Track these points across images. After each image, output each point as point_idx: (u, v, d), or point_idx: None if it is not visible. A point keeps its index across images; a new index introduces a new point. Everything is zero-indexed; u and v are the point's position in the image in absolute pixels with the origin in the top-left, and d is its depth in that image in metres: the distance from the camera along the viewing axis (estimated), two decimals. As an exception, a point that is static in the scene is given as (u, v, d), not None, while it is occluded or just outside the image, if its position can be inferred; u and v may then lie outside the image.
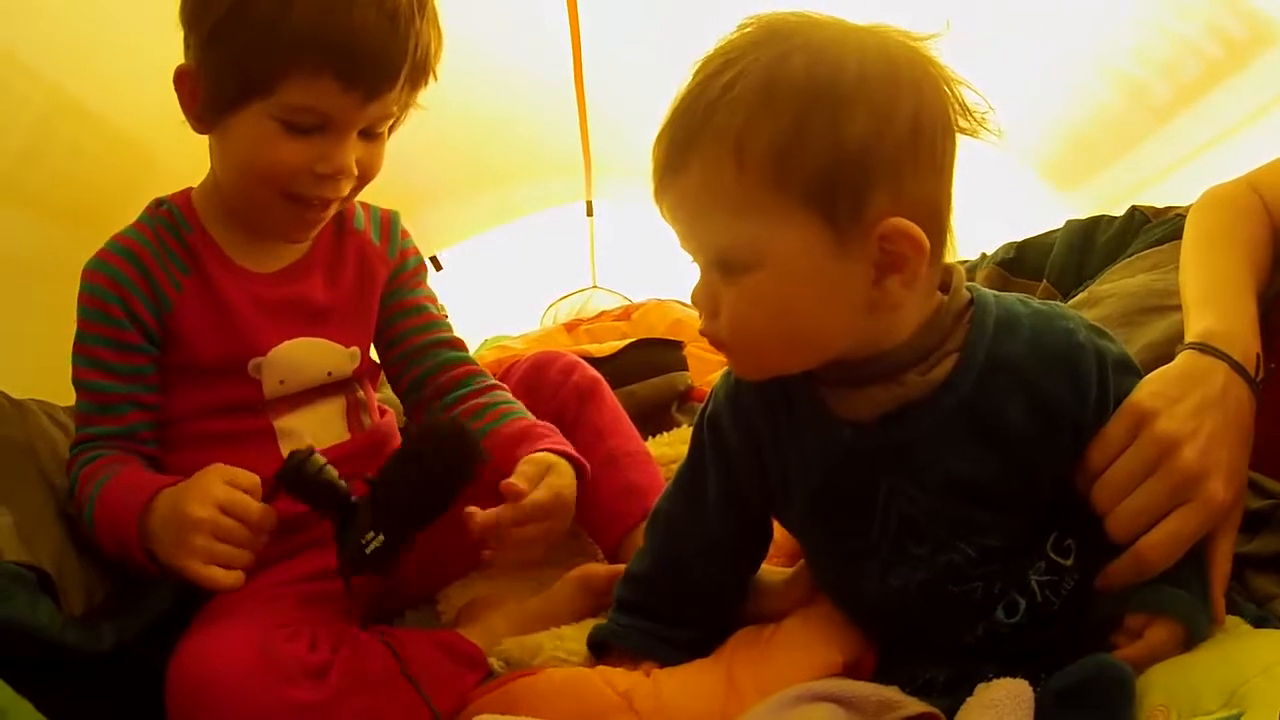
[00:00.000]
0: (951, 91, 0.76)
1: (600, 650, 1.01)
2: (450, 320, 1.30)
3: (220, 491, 0.96)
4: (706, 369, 1.91)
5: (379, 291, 1.23)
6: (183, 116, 1.06)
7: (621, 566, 1.10)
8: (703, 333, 0.81)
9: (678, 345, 1.91)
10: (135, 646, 1.00)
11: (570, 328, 2.56)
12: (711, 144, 0.73)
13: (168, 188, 1.16)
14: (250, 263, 1.14)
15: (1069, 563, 0.83)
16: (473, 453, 0.97)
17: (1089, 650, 0.78)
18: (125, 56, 1.46)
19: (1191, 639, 0.79)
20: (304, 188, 1.05)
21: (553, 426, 1.18)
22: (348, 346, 1.19)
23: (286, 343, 1.14)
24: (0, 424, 1.09)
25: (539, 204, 2.86)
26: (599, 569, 1.16)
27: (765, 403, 0.88)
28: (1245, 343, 0.86)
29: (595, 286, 3.15)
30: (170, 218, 1.12)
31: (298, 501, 0.96)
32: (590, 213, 2.97)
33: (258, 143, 1.02)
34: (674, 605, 0.98)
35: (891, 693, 0.78)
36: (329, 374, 1.18)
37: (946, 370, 0.79)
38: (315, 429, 1.17)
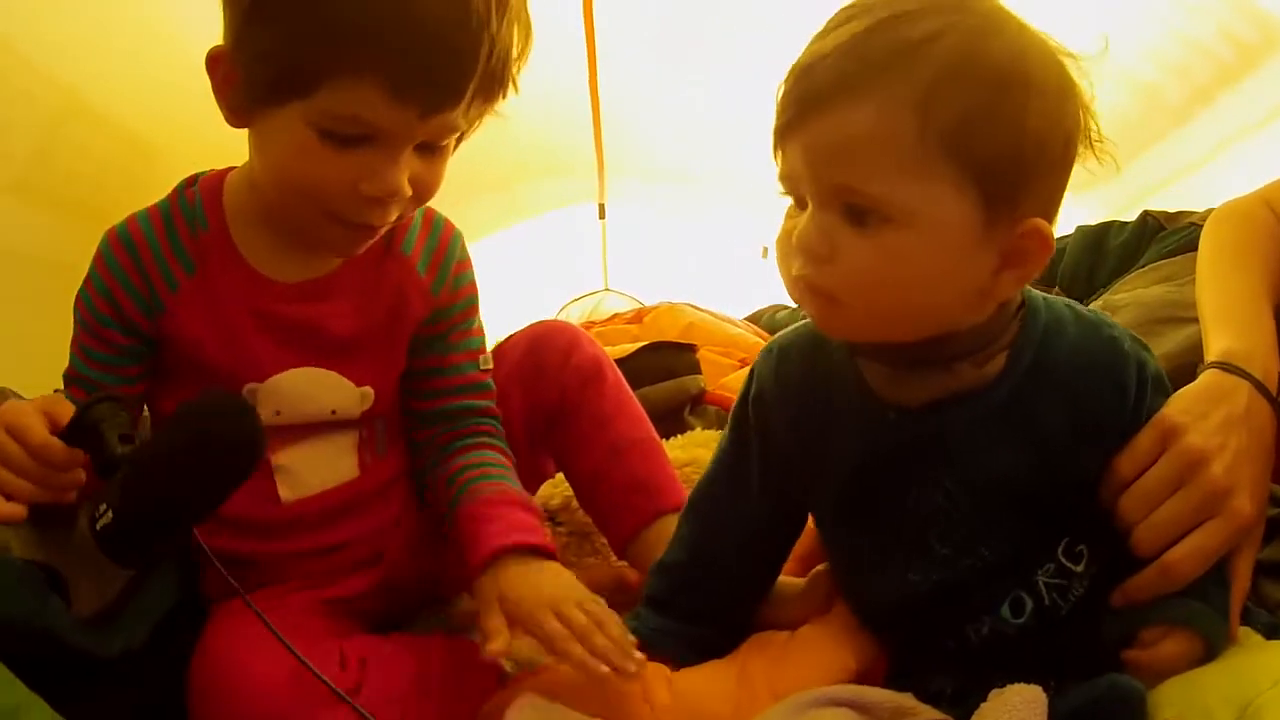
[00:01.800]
0: (1086, 111, 0.76)
1: None
2: (489, 371, 1.15)
3: (10, 415, 0.83)
4: (719, 373, 1.90)
5: (411, 330, 1.07)
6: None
7: (623, 564, 1.09)
8: (798, 277, 0.75)
9: (690, 349, 1.91)
10: (143, 646, 1.00)
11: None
12: (898, 89, 0.69)
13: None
14: (270, 269, 1.00)
15: (1079, 569, 0.83)
16: (241, 450, 0.80)
17: (1101, 665, 0.78)
18: (134, 58, 1.47)
19: (1210, 653, 0.79)
20: (346, 210, 0.89)
21: (519, 497, 1.04)
22: (360, 385, 1.05)
23: (290, 371, 1.01)
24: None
25: (551, 206, 2.85)
26: (603, 570, 1.14)
27: (808, 382, 0.88)
28: (1265, 361, 0.86)
29: (607, 289, 3.14)
30: (191, 205, 1.00)
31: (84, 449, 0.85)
32: (602, 215, 2.95)
33: (293, 152, 0.87)
34: (703, 600, 0.97)
35: (906, 699, 0.78)
36: (333, 412, 1.04)
37: (999, 367, 0.80)
38: (319, 467, 1.06)
